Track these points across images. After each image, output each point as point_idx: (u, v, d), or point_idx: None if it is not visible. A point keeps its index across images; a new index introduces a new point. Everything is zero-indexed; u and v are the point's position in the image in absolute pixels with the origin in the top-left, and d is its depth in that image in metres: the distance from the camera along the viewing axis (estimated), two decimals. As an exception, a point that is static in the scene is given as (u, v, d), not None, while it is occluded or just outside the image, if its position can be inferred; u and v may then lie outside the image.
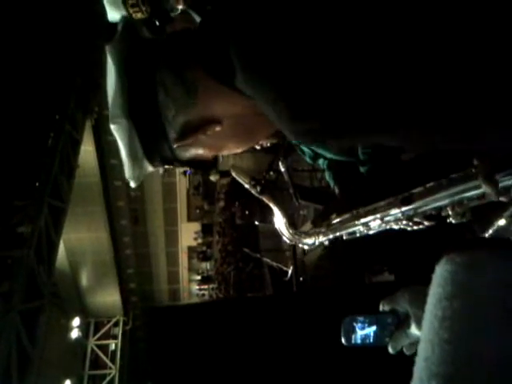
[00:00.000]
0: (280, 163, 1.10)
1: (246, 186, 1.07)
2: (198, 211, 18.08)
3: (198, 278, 17.86)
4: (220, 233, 14.32)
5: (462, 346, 0.46)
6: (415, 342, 0.85)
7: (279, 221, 1.12)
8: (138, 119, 0.82)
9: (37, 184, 8.55)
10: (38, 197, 8.39)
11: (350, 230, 1.02)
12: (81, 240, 12.28)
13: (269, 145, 2.05)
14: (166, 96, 0.79)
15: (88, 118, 11.33)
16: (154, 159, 0.87)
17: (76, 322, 13.28)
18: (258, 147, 2.06)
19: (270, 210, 1.11)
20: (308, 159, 2.04)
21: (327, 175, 1.99)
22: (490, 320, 0.47)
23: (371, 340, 0.91)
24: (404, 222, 0.91)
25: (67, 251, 12.07)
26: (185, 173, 7.78)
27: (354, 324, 0.92)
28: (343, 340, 0.94)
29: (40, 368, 9.03)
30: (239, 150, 0.93)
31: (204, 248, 17.88)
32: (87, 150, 11.66)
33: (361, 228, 0.99)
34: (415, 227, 0.91)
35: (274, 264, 6.57)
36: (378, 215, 0.93)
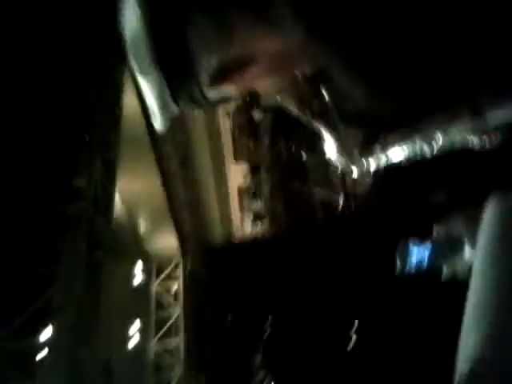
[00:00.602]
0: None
1: (294, 110, 1.00)
2: (245, 151, 18.06)
3: (251, 217, 18.14)
4: (268, 171, 14.32)
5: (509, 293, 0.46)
6: (469, 266, 0.84)
7: (331, 145, 1.03)
8: (168, 68, 0.76)
9: (86, 137, 8.70)
10: (89, 149, 8.56)
11: (411, 149, 0.94)
12: (134, 187, 12.62)
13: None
14: (199, 38, 0.73)
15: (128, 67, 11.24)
16: (184, 105, 0.82)
17: (139, 266, 13.95)
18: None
19: (317, 140, 1.04)
20: None
21: None
22: None
23: (426, 263, 0.92)
24: (474, 137, 0.84)
25: (122, 200, 12.45)
26: (228, 114, 7.67)
27: (410, 247, 0.96)
28: (398, 263, 0.95)
29: (110, 312, 9.61)
30: (272, 88, 0.89)
31: (253, 188, 18.00)
32: (131, 100, 11.70)
33: (424, 146, 0.91)
34: (487, 143, 0.83)
35: (324, 194, 6.55)
36: (443, 129, 0.86)
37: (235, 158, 17.99)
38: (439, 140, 0.91)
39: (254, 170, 17.52)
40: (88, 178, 8.30)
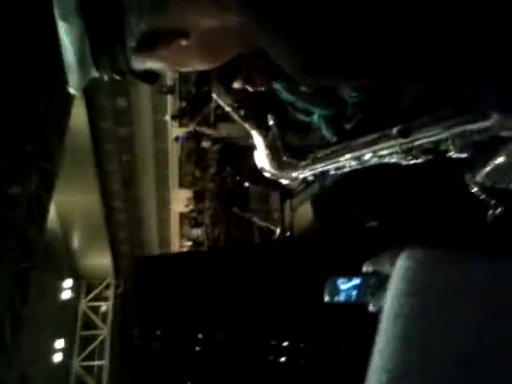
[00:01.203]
0: (269, 116, 1.02)
1: (228, 108, 0.98)
2: (189, 178, 18.06)
3: (189, 243, 18.01)
4: (211, 199, 14.39)
5: (413, 344, 0.46)
6: None
7: (261, 151, 1.01)
8: (92, 19, 0.68)
9: (28, 146, 8.51)
10: (28, 158, 8.36)
11: (339, 163, 0.95)
12: (72, 202, 12.30)
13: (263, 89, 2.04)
14: None
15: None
16: (104, 67, 0.75)
17: (68, 283, 13.45)
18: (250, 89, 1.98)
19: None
20: (302, 116, 2.11)
21: (323, 127, 2.08)
22: (440, 321, 0.48)
23: (353, 299, 0.94)
24: (399, 156, 0.89)
25: (59, 214, 12.11)
26: (177, 139, 7.75)
27: (338, 284, 0.95)
28: (326, 298, 0.97)
29: (33, 328, 9.20)
30: (200, 68, 0.84)
31: (195, 214, 17.95)
32: (78, 112, 11.55)
33: (352, 162, 0.92)
34: (411, 162, 0.88)
35: (262, 223, 6.65)
36: (372, 148, 0.89)
37: (180, 184, 17.95)
38: (367, 156, 0.91)
39: (198, 198, 17.53)
40: (23, 186, 8.09)
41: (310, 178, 1.03)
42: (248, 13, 0.60)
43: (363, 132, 0.92)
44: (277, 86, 2.14)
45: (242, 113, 0.97)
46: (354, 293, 0.94)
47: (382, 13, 0.51)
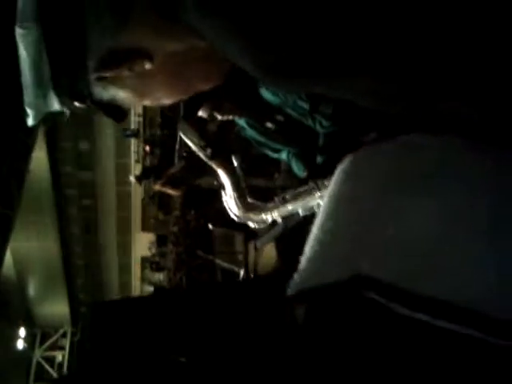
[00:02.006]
0: (233, 156, 0.98)
1: (194, 148, 0.97)
2: (152, 221, 17.87)
3: (151, 288, 17.61)
4: (174, 242, 14.25)
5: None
6: None
7: (228, 191, 1.00)
8: (51, 30, 0.63)
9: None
10: (-16, 203, 8.16)
11: (308, 204, 0.94)
12: (29, 248, 11.94)
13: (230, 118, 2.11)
14: (95, 13, 0.63)
15: (42, 123, 11.10)
16: (63, 89, 0.68)
17: (22, 332, 12.85)
18: (219, 117, 2.03)
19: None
20: (269, 152, 2.18)
21: (293, 163, 2.13)
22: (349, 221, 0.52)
23: None
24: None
25: (15, 259, 11.70)
26: (139, 181, 7.71)
27: None
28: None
29: (-19, 380, 8.68)
30: (167, 101, 0.78)
31: (158, 258, 17.68)
32: (39, 157, 11.42)
33: (320, 202, 0.91)
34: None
35: (226, 265, 6.60)
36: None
37: (142, 228, 17.72)
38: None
39: (160, 241, 17.29)
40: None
41: (278, 220, 1.00)
42: (205, 9, 0.56)
43: (335, 165, 0.96)
44: (240, 122, 2.22)
45: (209, 152, 0.95)
46: None
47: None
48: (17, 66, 0.68)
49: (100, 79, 0.67)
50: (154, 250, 17.72)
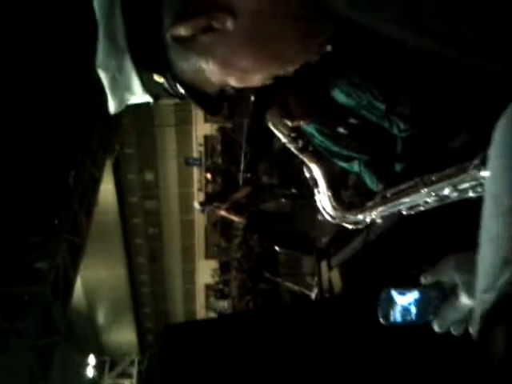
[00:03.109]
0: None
1: (284, 139, 0.89)
2: (215, 248, 18.00)
3: (216, 316, 17.58)
4: (237, 269, 14.19)
5: None
6: (464, 319, 0.70)
7: (322, 188, 0.90)
8: (136, 19, 0.58)
9: (56, 221, 8.66)
10: (56, 233, 8.48)
11: (414, 201, 0.83)
12: (98, 277, 12.28)
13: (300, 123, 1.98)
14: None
15: (109, 156, 11.58)
16: (139, 52, 0.60)
17: (91, 360, 13.13)
18: (288, 123, 1.91)
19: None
20: (340, 162, 1.99)
21: (366, 175, 1.93)
22: None
23: (413, 317, 0.78)
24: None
25: (84, 288, 12.06)
26: (202, 206, 7.74)
27: (394, 298, 0.80)
28: (381, 317, 0.80)
29: (54, 408, 8.87)
30: (255, 77, 0.66)
31: (221, 286, 17.70)
32: (107, 188, 11.84)
33: (428, 199, 0.81)
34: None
35: (296, 288, 6.30)
36: (450, 181, 0.76)
37: (206, 255, 17.87)
38: (446, 191, 0.85)
39: (224, 268, 17.33)
40: (51, 261, 8.14)
41: (377, 221, 0.90)
42: None
43: (416, 175, 0.82)
44: (309, 129, 2.05)
45: (301, 143, 0.88)
46: (414, 309, 0.78)
47: None
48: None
49: (178, 41, 0.57)
50: (217, 278, 17.79)
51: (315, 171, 0.89)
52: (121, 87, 0.62)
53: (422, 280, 0.78)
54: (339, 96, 1.82)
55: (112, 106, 0.64)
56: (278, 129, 0.88)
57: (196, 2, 0.56)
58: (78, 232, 9.35)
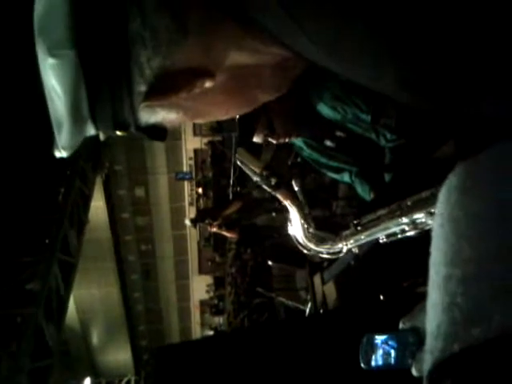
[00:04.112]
0: (294, 181, 0.92)
1: (255, 178, 0.88)
2: (209, 264, 17.92)
3: (211, 333, 17.44)
4: (232, 284, 14.11)
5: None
6: None
7: (296, 224, 0.90)
8: (89, 51, 0.51)
9: (47, 240, 8.56)
10: (47, 253, 8.37)
11: (391, 229, 0.81)
12: (91, 296, 12.13)
13: (286, 141, 1.96)
14: (143, 25, 0.50)
15: (98, 173, 11.53)
16: (104, 121, 0.56)
17: (87, 382, 12.92)
18: (273, 141, 1.93)
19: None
20: (330, 173, 1.98)
21: (357, 185, 1.92)
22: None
23: (393, 361, 0.81)
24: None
25: (77, 308, 11.90)
26: (194, 223, 7.70)
27: (374, 343, 0.84)
28: (362, 362, 0.84)
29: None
30: (224, 117, 0.67)
31: (216, 301, 17.59)
32: (98, 206, 11.76)
33: (405, 227, 0.79)
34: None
35: (290, 303, 6.31)
36: (425, 209, 0.74)
37: (200, 270, 17.77)
38: (421, 219, 0.82)
39: (218, 283, 17.23)
40: (43, 282, 8.03)
41: (354, 250, 0.89)
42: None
43: (405, 184, 0.81)
44: (298, 142, 2.05)
45: (274, 182, 0.86)
46: (393, 354, 0.81)
47: None
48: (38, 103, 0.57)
49: (149, 103, 0.55)
50: (212, 293, 17.68)
51: (289, 208, 0.89)
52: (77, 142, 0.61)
53: (401, 325, 0.80)
54: (324, 110, 1.82)
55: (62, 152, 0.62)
56: (248, 168, 0.86)
57: (174, 73, 0.54)
58: (70, 251, 9.25)
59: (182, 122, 0.63)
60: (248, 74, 0.59)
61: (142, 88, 0.53)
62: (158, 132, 0.63)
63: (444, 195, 0.40)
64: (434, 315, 0.36)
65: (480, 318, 0.31)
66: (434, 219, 0.42)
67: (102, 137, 0.62)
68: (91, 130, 0.58)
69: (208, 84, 0.55)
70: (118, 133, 0.58)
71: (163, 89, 0.54)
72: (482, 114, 0.48)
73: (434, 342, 0.34)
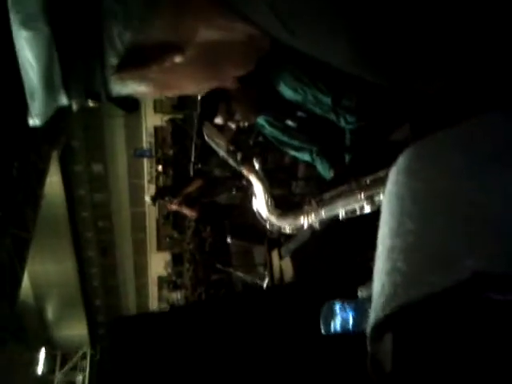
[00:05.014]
0: (255, 160, 0.93)
1: (222, 153, 0.90)
2: (168, 240, 17.88)
3: (168, 307, 17.52)
4: (190, 260, 14.21)
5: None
6: None
7: (260, 199, 0.93)
8: (62, 25, 0.53)
9: None
10: (0, 227, 8.22)
11: (350, 206, 0.85)
12: (46, 272, 11.98)
13: (246, 125, 2.01)
14: (115, 0, 0.53)
15: (55, 147, 11.27)
16: (76, 90, 0.59)
17: (42, 354, 12.83)
18: (233, 126, 1.98)
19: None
20: (291, 151, 2.05)
21: (318, 163, 1.99)
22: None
23: (350, 326, 0.87)
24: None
25: (32, 283, 11.75)
26: (153, 201, 7.68)
27: (333, 310, 0.88)
28: (322, 327, 0.89)
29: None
30: (192, 91, 0.71)
31: (174, 278, 17.64)
32: (54, 181, 11.53)
33: (364, 204, 0.82)
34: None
35: (248, 278, 6.40)
36: (383, 187, 0.77)
37: (158, 247, 17.73)
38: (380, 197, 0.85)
39: (177, 260, 17.26)
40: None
41: (315, 225, 0.91)
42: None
43: (364, 164, 0.87)
44: (260, 120, 2.12)
45: (240, 156, 0.88)
46: (351, 320, 0.87)
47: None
48: (15, 74, 0.60)
49: (120, 75, 0.58)
50: (170, 270, 17.70)
51: (253, 182, 0.92)
52: (50, 112, 0.63)
53: (359, 293, 0.86)
54: (286, 91, 1.87)
55: (35, 121, 0.64)
56: (214, 142, 0.88)
57: (147, 45, 0.56)
58: (25, 225, 9.10)
59: (154, 95, 0.67)
60: (217, 50, 0.61)
61: (114, 61, 0.56)
62: (130, 103, 0.68)
63: (393, 175, 0.44)
64: (378, 279, 0.39)
65: (416, 281, 0.35)
66: (384, 196, 0.45)
67: (74, 107, 0.64)
68: (64, 100, 0.60)
69: (178, 59, 0.58)
70: (90, 103, 0.61)
71: (134, 62, 0.57)
72: (431, 91, 0.51)
73: (378, 300, 0.38)
